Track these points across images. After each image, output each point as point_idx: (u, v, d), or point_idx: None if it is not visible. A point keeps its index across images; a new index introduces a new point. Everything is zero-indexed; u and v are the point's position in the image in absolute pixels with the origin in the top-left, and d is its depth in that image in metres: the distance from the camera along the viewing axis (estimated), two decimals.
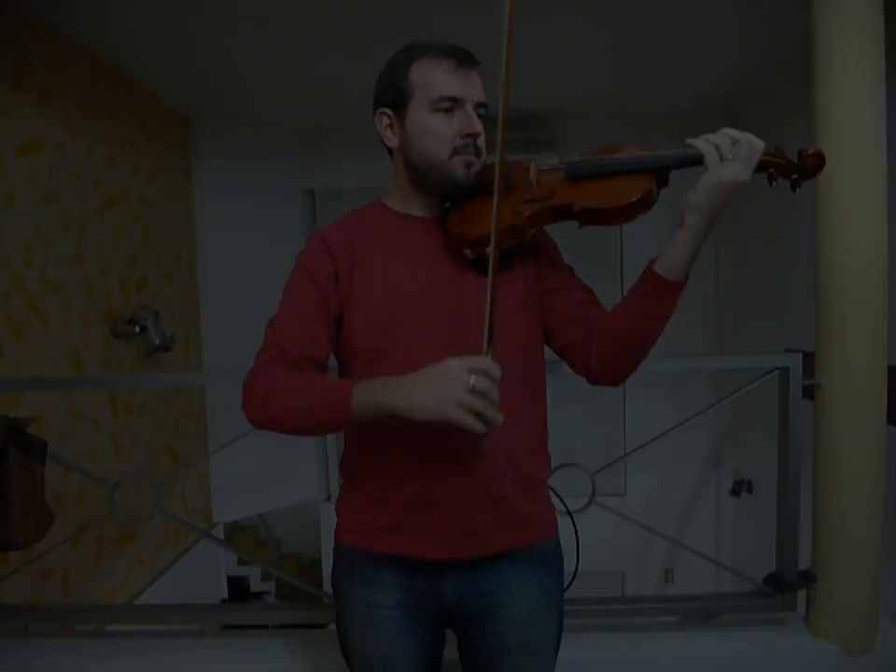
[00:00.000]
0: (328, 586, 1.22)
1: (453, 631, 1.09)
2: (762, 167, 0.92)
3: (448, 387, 0.82)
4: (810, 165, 0.94)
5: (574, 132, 3.10)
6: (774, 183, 0.95)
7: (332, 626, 1.22)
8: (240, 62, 2.47)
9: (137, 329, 2.41)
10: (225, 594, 3.24)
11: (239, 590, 3.78)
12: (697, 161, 0.92)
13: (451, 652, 1.10)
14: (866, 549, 1.40)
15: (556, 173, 1.01)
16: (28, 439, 1.47)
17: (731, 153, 0.88)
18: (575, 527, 1.33)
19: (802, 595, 1.51)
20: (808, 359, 1.45)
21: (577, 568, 1.27)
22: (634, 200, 0.95)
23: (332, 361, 1.07)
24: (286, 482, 3.33)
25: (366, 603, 1.04)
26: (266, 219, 3.19)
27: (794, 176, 0.95)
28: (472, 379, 0.82)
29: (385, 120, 1.02)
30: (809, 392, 1.44)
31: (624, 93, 2.94)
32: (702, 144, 0.90)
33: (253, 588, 3.89)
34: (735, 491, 3.25)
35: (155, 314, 2.52)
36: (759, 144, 0.89)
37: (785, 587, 1.49)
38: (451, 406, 0.81)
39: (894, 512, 1.53)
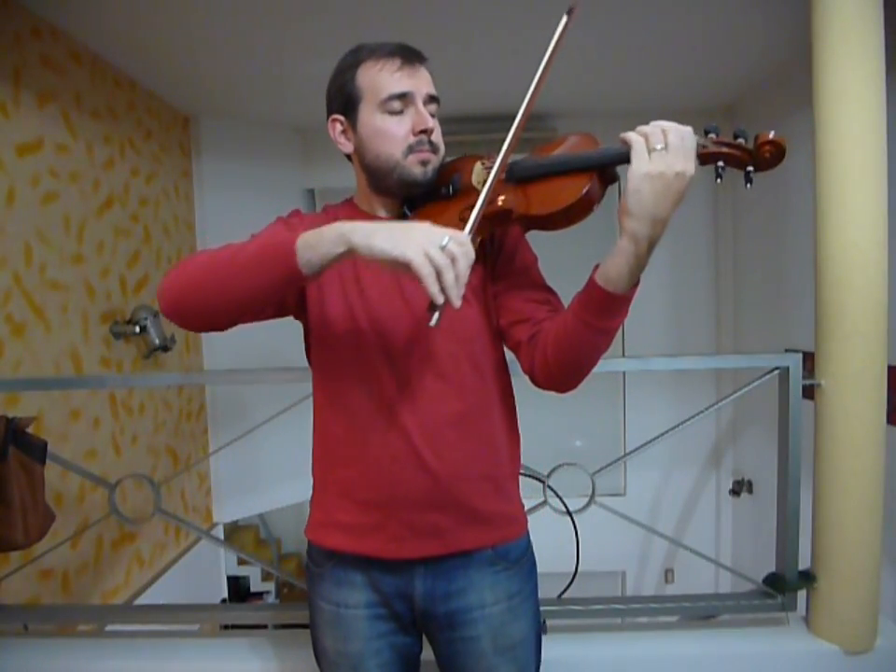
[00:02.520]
0: None
1: (426, 636, 1.08)
2: (708, 159, 0.84)
3: (418, 233, 0.77)
4: (766, 155, 0.82)
5: (574, 132, 3.09)
6: (720, 179, 0.85)
7: None
8: (240, 61, 2.47)
9: (137, 329, 2.41)
10: (225, 594, 3.24)
11: (239, 590, 3.78)
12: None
13: (429, 653, 1.10)
14: (866, 549, 1.40)
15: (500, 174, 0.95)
16: (28, 439, 1.47)
17: (660, 143, 0.80)
18: (575, 527, 1.34)
19: (802, 594, 1.51)
20: (808, 359, 1.45)
21: (577, 568, 1.28)
22: (568, 204, 0.89)
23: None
24: (286, 482, 3.32)
25: (336, 603, 1.04)
26: (266, 219, 3.16)
27: (749, 168, 0.84)
28: (446, 240, 0.76)
29: (339, 127, 1.03)
30: (809, 392, 1.44)
31: (624, 93, 2.94)
32: (630, 134, 0.84)
33: (253, 588, 3.89)
34: (735, 491, 3.24)
35: (155, 313, 2.52)
36: (687, 130, 0.82)
37: (785, 587, 1.49)
38: (415, 249, 0.75)
39: (894, 512, 1.53)
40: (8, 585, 1.67)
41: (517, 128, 0.91)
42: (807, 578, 1.47)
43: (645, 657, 1.48)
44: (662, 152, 0.80)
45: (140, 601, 2.35)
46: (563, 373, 0.97)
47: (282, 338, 3.10)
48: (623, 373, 3.35)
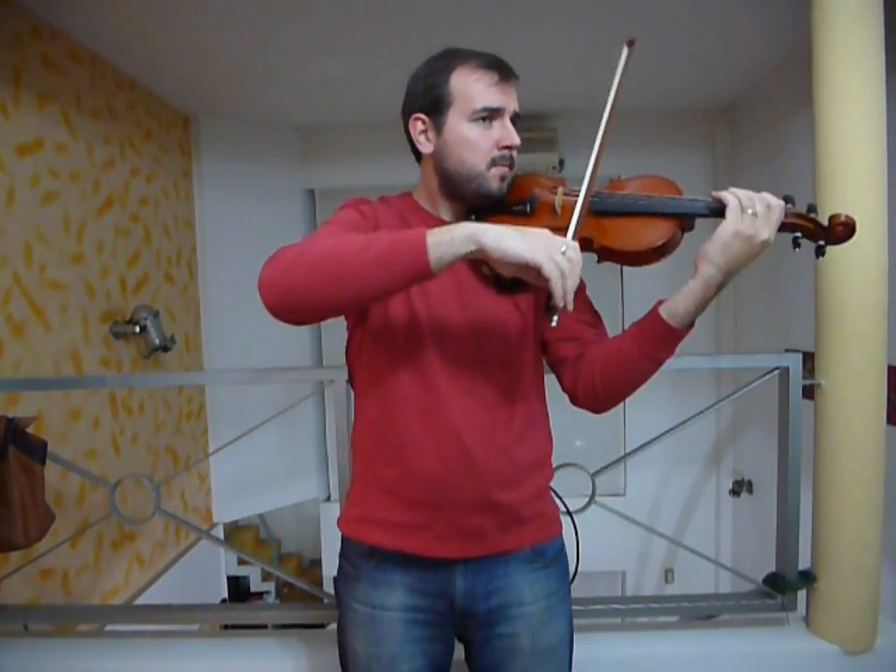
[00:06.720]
0: (328, 586, 1.22)
1: (461, 639, 1.08)
2: (789, 228, 0.92)
3: (544, 240, 0.81)
4: (839, 233, 0.92)
5: (574, 132, 3.10)
6: (797, 248, 0.94)
7: (332, 626, 1.22)
8: (240, 62, 2.47)
9: (137, 329, 2.41)
10: (225, 594, 3.24)
11: (239, 590, 3.78)
12: (723, 212, 0.91)
13: (457, 655, 1.09)
14: (866, 549, 1.40)
15: None
16: (28, 439, 1.46)
17: (753, 208, 0.88)
18: (575, 527, 1.33)
19: (802, 594, 1.51)
20: (808, 359, 1.45)
21: (577, 568, 1.27)
22: (655, 246, 0.94)
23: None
24: (286, 482, 3.33)
25: (372, 605, 1.02)
26: (266, 219, 3.19)
27: (821, 242, 0.93)
28: (565, 247, 0.81)
29: (420, 126, 1.01)
30: (809, 392, 1.44)
31: (625, 93, 2.94)
32: (726, 194, 0.91)
33: (253, 588, 3.89)
34: (735, 491, 3.25)
35: (155, 314, 2.52)
36: (779, 203, 0.89)
37: (785, 587, 1.49)
38: (545, 256, 0.79)
39: (894, 512, 1.53)
40: (8, 585, 1.67)
41: (597, 159, 0.92)
42: (807, 578, 1.46)
43: (645, 657, 1.48)
44: (753, 217, 0.88)
45: (140, 601, 2.35)
46: (607, 397, 1.02)
47: (281, 338, 3.11)
48: None
